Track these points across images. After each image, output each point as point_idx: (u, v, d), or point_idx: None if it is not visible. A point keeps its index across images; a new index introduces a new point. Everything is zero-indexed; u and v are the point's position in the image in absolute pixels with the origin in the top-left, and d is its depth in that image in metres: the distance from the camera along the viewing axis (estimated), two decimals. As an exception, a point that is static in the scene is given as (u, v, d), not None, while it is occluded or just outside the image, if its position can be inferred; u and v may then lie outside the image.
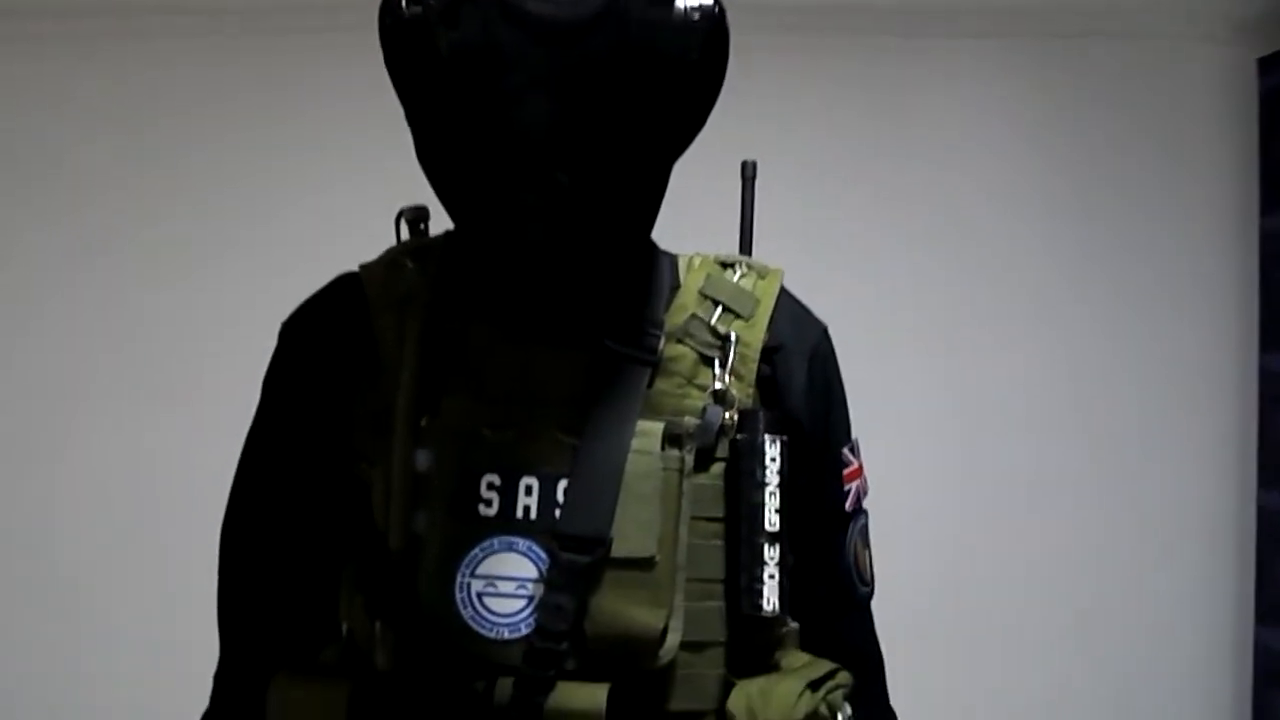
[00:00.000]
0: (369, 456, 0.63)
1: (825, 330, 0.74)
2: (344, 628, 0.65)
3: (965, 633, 2.18)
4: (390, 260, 0.69)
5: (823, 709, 0.62)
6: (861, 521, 0.75)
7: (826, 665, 0.66)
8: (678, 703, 0.62)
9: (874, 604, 0.77)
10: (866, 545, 0.76)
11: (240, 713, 0.67)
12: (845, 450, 0.74)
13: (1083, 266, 2.11)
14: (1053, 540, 2.20)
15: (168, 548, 1.83)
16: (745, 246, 0.85)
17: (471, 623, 0.59)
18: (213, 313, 1.96)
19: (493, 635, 0.59)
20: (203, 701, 0.72)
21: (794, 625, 0.71)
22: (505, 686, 0.58)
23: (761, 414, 0.65)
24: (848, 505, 0.73)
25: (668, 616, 0.60)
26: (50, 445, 1.99)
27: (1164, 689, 2.24)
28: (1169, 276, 2.11)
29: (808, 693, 0.62)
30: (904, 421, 2.01)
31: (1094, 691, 2.20)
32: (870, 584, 0.76)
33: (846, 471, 0.74)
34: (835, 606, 0.73)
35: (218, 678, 0.72)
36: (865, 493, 0.76)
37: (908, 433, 2.02)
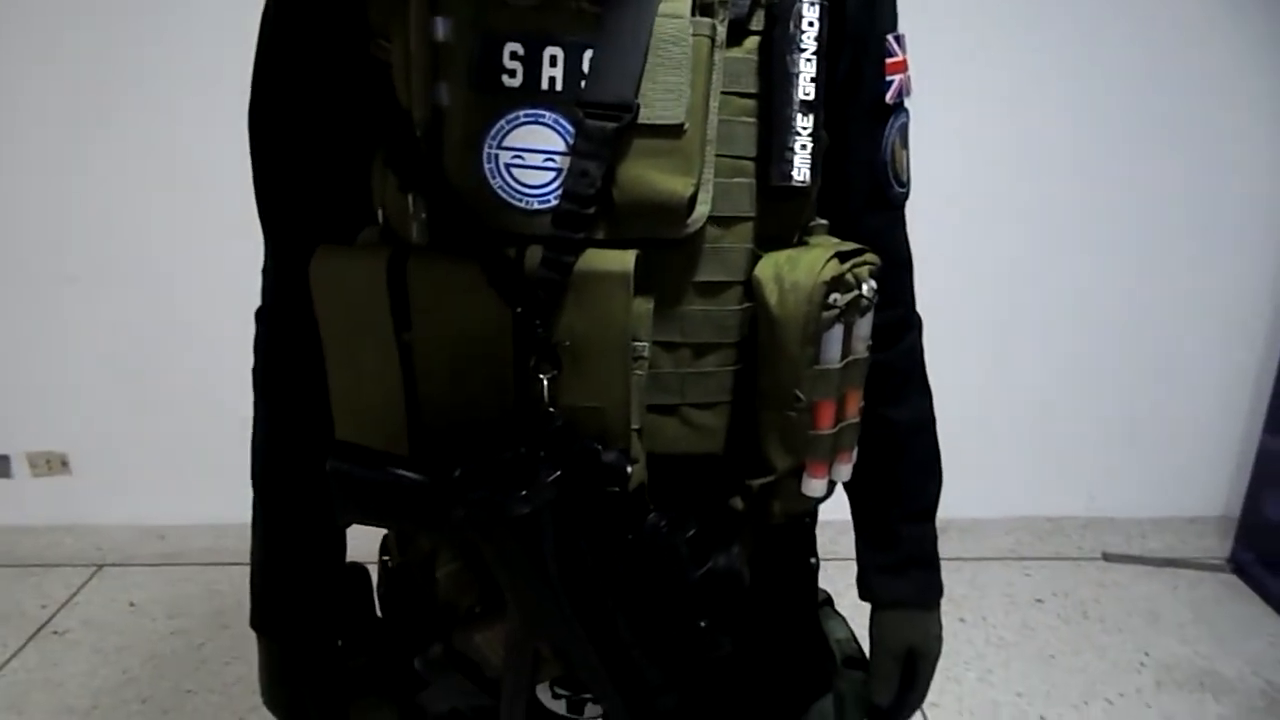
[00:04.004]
0: (386, 31, 0.61)
1: None
2: (379, 214, 0.66)
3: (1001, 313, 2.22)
4: None
5: (849, 277, 0.63)
6: (902, 119, 0.72)
7: (855, 245, 0.67)
8: (705, 273, 0.63)
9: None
10: (905, 145, 0.74)
11: (288, 300, 0.71)
12: (890, 38, 0.69)
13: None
14: (1097, 229, 2.16)
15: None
16: None
17: (501, 193, 0.59)
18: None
19: (522, 205, 0.59)
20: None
21: (823, 222, 0.71)
22: (535, 252, 0.59)
23: (800, -25, 0.60)
24: (889, 97, 0.70)
25: (695, 186, 0.59)
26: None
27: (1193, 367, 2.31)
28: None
29: (835, 261, 0.62)
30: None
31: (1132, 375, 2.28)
32: (906, 186, 0.74)
33: (890, 61, 0.70)
34: (868, 202, 0.72)
35: (265, 271, 0.75)
36: (908, 91, 0.73)
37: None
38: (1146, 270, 2.19)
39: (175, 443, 2.33)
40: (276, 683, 0.77)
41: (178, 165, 2.06)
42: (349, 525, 0.63)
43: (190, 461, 2.35)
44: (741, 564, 0.62)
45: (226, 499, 2.36)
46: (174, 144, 2.05)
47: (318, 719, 0.78)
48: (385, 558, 0.80)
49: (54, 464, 2.37)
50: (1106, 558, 2.39)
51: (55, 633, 2.15)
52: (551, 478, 0.56)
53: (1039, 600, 2.23)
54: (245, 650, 2.06)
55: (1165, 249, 2.18)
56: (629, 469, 0.60)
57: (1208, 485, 2.43)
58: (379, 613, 0.82)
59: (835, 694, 0.83)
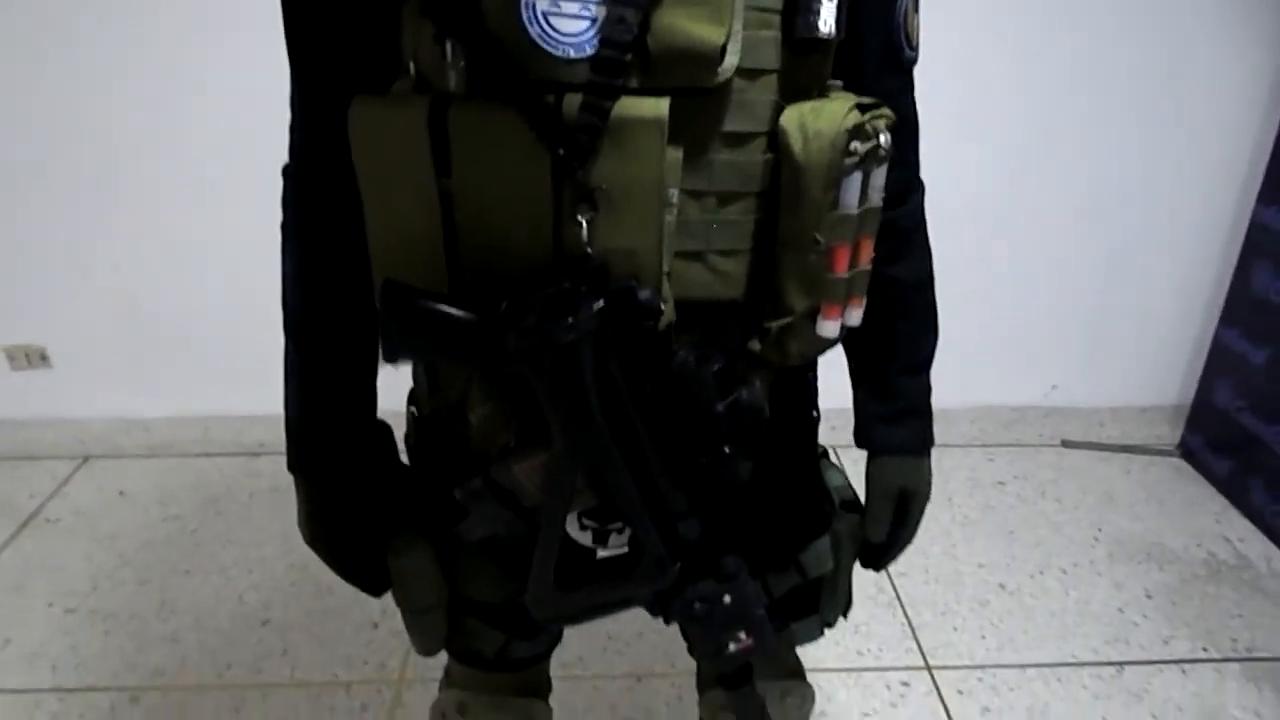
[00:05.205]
0: None
1: None
2: (411, 66, 0.67)
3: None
4: None
5: (868, 128, 0.66)
6: (914, -17, 0.75)
7: (873, 99, 0.70)
8: (732, 124, 0.66)
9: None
10: (916, 9, 0.76)
11: (318, 151, 0.72)
12: (906, -100, 0.71)
13: None
14: (1059, 129, 2.19)
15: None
16: None
17: (539, 40, 0.61)
18: None
19: (559, 54, 0.61)
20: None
21: (838, 82, 0.74)
22: (573, 100, 0.61)
23: None
24: (904, -41, 0.72)
25: (727, 35, 0.62)
26: None
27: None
28: None
29: (856, 111, 0.66)
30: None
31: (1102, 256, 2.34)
32: (915, 50, 0.77)
33: (906, -78, 0.72)
34: (882, 64, 0.74)
35: (293, 128, 0.76)
36: (921, -46, 0.75)
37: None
38: (1109, 168, 2.25)
39: (156, 336, 2.32)
40: (316, 520, 0.82)
41: (153, 52, 2.00)
42: (398, 362, 0.66)
43: (173, 355, 2.35)
44: (763, 397, 0.67)
45: (212, 392, 2.39)
46: (147, 30, 1.98)
47: (356, 554, 0.84)
48: (413, 408, 0.84)
49: (33, 357, 2.36)
50: (1065, 444, 2.51)
51: (47, 520, 2.18)
52: (595, 308, 0.60)
53: (1001, 483, 2.35)
54: (240, 534, 2.12)
55: (1126, 147, 2.23)
56: (662, 306, 0.64)
57: (1162, 376, 2.55)
58: (407, 463, 0.87)
59: (833, 534, 0.90)
